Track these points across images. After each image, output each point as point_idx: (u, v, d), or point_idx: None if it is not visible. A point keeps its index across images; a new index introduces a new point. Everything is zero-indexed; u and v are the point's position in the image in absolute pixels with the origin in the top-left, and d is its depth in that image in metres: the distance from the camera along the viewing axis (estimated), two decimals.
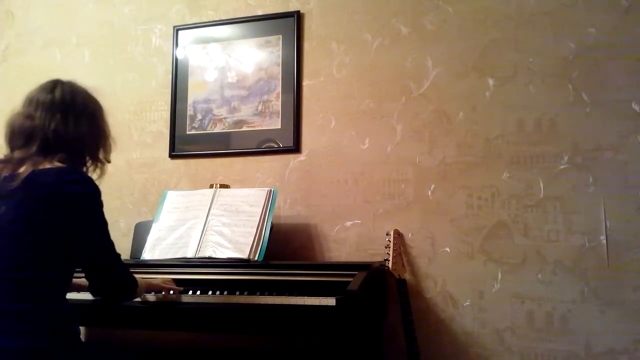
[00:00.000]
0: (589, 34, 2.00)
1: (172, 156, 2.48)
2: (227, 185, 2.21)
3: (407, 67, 2.20)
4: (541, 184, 2.00)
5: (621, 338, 1.84)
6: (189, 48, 2.53)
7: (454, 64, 2.15)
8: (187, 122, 2.48)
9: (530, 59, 2.06)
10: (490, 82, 2.10)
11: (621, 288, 1.87)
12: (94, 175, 1.48)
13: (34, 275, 1.32)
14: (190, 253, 1.96)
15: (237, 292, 1.74)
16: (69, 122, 1.42)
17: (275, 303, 1.63)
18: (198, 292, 1.77)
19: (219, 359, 2.18)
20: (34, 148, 1.38)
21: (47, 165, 1.37)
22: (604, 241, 1.90)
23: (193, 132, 2.47)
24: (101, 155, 1.51)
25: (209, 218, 2.04)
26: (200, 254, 1.95)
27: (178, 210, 2.11)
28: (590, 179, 1.94)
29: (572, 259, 1.93)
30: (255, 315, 1.65)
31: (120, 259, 1.51)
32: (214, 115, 2.44)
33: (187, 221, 2.06)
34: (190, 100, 2.49)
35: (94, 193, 1.40)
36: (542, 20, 2.06)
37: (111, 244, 1.47)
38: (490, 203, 2.04)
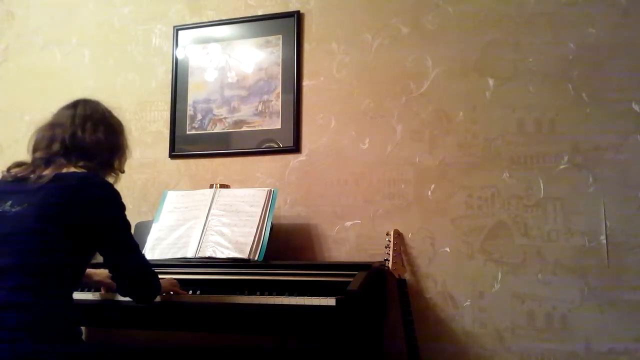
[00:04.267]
0: (589, 34, 2.00)
1: (172, 156, 2.48)
2: (227, 185, 2.21)
3: (407, 67, 2.20)
4: (541, 184, 2.00)
5: (621, 338, 1.84)
6: (189, 48, 2.53)
7: (454, 64, 2.15)
8: (187, 122, 2.48)
9: (530, 59, 2.06)
10: (490, 82, 2.10)
11: (621, 288, 1.87)
12: None
13: (45, 273, 1.35)
14: (190, 253, 1.96)
15: (237, 292, 1.74)
16: (86, 129, 1.51)
17: (276, 303, 1.63)
18: (198, 292, 1.77)
19: (218, 359, 2.18)
20: (54, 149, 1.46)
21: (72, 169, 1.44)
22: (604, 241, 1.90)
23: (193, 132, 2.47)
24: (116, 165, 1.59)
25: (209, 218, 2.04)
26: (201, 254, 1.95)
27: (178, 210, 2.12)
28: (590, 179, 1.94)
29: (572, 259, 1.93)
30: (255, 315, 1.65)
31: (145, 260, 1.56)
32: (214, 115, 2.44)
33: (187, 221, 2.06)
34: (190, 100, 2.49)
35: (116, 196, 1.47)
36: (542, 20, 2.06)
37: (136, 246, 1.52)
38: (490, 203, 2.04)
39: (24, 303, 1.30)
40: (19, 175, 1.44)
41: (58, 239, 1.36)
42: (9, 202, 1.39)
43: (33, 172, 1.42)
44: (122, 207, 1.48)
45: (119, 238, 1.48)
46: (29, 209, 1.36)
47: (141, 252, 1.55)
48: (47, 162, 1.44)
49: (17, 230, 1.35)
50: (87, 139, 1.50)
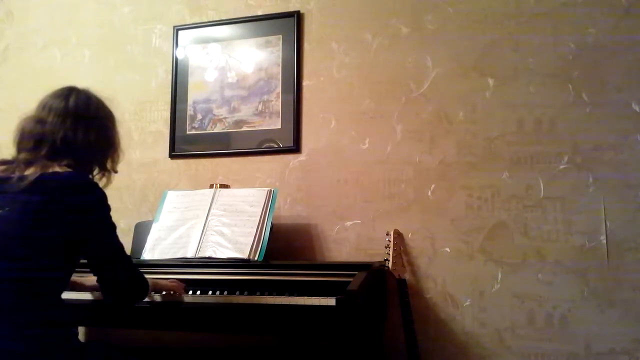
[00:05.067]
0: (589, 34, 2.00)
1: (172, 156, 2.48)
2: (227, 185, 2.21)
3: (407, 67, 2.20)
4: (541, 184, 2.00)
5: (621, 338, 1.84)
6: (189, 48, 2.53)
7: (454, 64, 2.15)
8: (187, 122, 2.48)
9: (530, 59, 2.06)
10: (490, 82, 2.10)
11: (621, 288, 1.87)
12: (100, 184, 1.49)
13: (33, 276, 1.33)
14: (190, 253, 1.96)
15: (237, 292, 1.74)
16: (78, 130, 1.44)
17: (276, 303, 1.63)
18: (198, 292, 1.77)
19: (218, 359, 2.18)
20: (42, 152, 1.39)
21: (56, 169, 1.38)
22: (604, 241, 1.90)
23: (193, 132, 2.47)
24: (109, 165, 1.53)
25: (209, 218, 2.04)
26: (200, 254, 1.95)
27: (178, 210, 2.11)
28: (590, 179, 1.94)
29: (572, 259, 1.93)
30: (256, 315, 1.65)
31: (130, 261, 1.52)
32: (214, 115, 2.44)
33: (187, 221, 2.06)
34: (190, 100, 2.49)
35: (101, 197, 1.42)
36: (542, 20, 2.06)
37: (121, 247, 1.47)
38: (490, 203, 2.04)
39: (13, 308, 1.29)
40: (0, 176, 1.38)
41: (42, 243, 1.33)
42: None
43: (13, 173, 1.36)
44: (107, 209, 1.43)
45: (104, 240, 1.43)
46: (11, 213, 1.32)
47: (126, 254, 1.50)
48: (30, 162, 1.38)
49: (0, 234, 1.32)
50: (79, 141, 1.43)
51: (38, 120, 1.44)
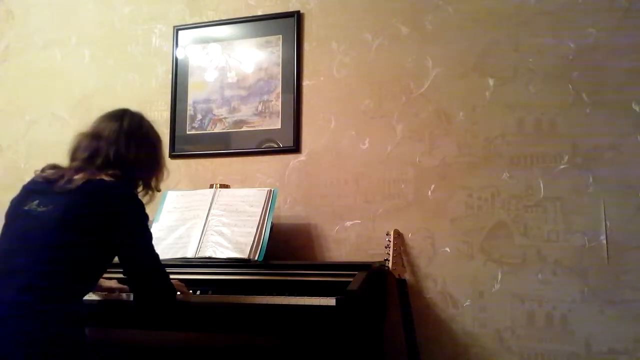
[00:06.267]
0: (589, 34, 2.00)
1: (172, 156, 2.48)
2: (227, 185, 2.21)
3: (407, 67, 2.20)
4: (541, 184, 2.00)
5: (621, 338, 1.84)
6: (189, 48, 2.53)
7: (454, 64, 2.15)
8: (187, 122, 2.48)
9: (530, 59, 2.06)
10: (490, 82, 2.10)
11: (621, 288, 1.86)
12: (143, 200, 1.56)
13: (59, 275, 1.36)
14: (190, 253, 1.96)
15: (237, 292, 1.74)
16: (130, 147, 1.54)
17: (275, 303, 1.63)
18: (198, 292, 1.78)
19: (218, 359, 2.18)
20: (95, 163, 1.49)
21: (103, 177, 1.46)
22: (604, 241, 1.90)
23: (193, 132, 2.47)
24: (153, 183, 1.62)
25: (209, 218, 2.04)
26: (200, 254, 1.95)
27: (178, 210, 2.12)
28: (590, 179, 1.94)
29: (572, 259, 1.93)
30: (256, 315, 1.65)
31: (164, 270, 1.56)
32: (214, 115, 2.44)
33: (187, 221, 2.06)
34: (190, 100, 2.49)
35: (140, 206, 1.50)
36: (542, 20, 2.06)
37: (156, 256, 1.53)
38: (490, 203, 2.04)
39: (31, 303, 1.31)
40: (49, 177, 1.46)
41: (77, 242, 1.38)
42: (36, 202, 1.42)
43: (62, 176, 1.45)
44: (145, 217, 1.51)
45: (140, 247, 1.50)
46: (53, 211, 1.39)
47: (160, 263, 1.55)
48: (80, 169, 1.47)
49: (39, 230, 1.38)
50: (131, 156, 1.52)
51: (94, 136, 1.53)
